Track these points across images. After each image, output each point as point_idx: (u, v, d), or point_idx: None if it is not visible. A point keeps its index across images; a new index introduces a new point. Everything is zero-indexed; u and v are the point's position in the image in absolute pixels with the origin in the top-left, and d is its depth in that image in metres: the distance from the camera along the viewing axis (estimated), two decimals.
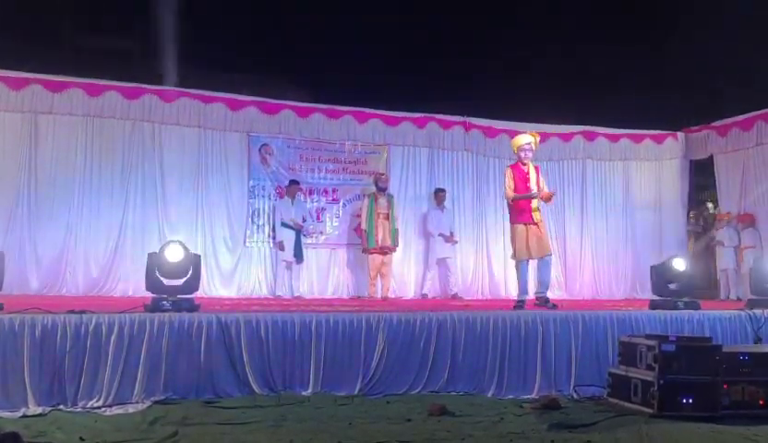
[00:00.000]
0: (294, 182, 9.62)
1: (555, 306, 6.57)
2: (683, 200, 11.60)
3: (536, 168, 7.01)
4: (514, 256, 6.89)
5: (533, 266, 7.20)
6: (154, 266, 5.33)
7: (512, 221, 6.90)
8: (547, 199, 6.87)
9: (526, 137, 7.02)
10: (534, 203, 6.78)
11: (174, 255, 5.28)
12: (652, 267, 7.08)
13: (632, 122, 11.56)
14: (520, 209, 6.81)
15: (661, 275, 6.75)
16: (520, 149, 6.97)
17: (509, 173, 6.93)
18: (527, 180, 6.84)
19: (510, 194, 6.84)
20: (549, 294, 10.34)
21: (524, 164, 6.91)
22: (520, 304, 6.70)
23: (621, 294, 10.87)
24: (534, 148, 7.00)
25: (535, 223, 6.76)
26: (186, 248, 5.36)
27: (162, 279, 5.30)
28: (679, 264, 6.72)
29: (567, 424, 4.44)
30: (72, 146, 8.97)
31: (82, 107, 8.99)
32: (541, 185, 6.92)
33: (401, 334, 5.42)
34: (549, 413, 4.79)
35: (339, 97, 10.54)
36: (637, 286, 10.98)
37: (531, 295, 6.94)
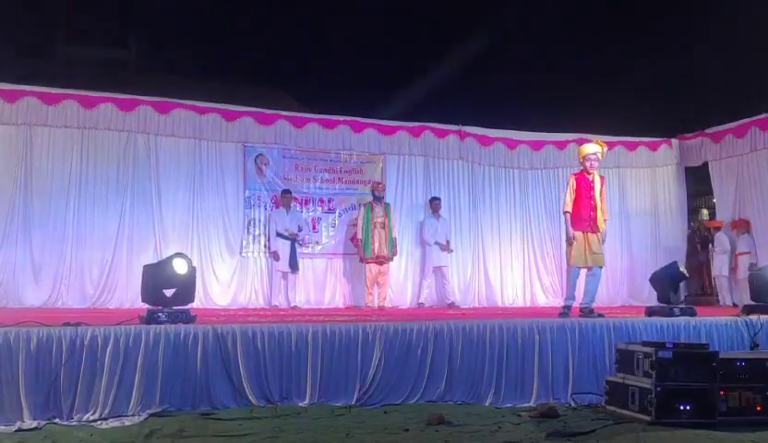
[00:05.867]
0: (286, 191, 9.62)
1: (601, 316, 6.40)
2: (680, 207, 11.63)
3: (602, 178, 6.89)
4: (569, 261, 6.83)
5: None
6: (150, 277, 5.32)
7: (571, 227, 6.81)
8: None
9: (593, 147, 6.89)
10: (598, 211, 6.70)
11: (181, 267, 5.29)
12: (655, 272, 7.10)
13: (627, 129, 11.61)
14: (580, 216, 6.72)
15: (664, 281, 6.77)
16: (585, 158, 6.83)
17: (571, 182, 6.82)
18: (591, 188, 6.75)
19: (566, 208, 6.74)
20: (546, 300, 10.55)
21: (589, 174, 6.80)
22: (565, 310, 6.60)
23: (617, 302, 10.87)
24: (600, 158, 6.85)
25: (595, 232, 6.69)
26: (189, 260, 5.37)
27: (157, 290, 5.29)
28: (683, 270, 6.79)
29: (565, 432, 4.44)
30: (67, 158, 8.95)
31: (77, 119, 8.98)
32: (604, 194, 6.84)
33: (397, 343, 5.41)
34: (547, 422, 4.78)
35: (334, 107, 10.58)
36: (634, 293, 10.98)
37: (576, 303, 6.87)
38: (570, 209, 6.75)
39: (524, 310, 9.42)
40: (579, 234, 6.71)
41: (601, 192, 6.81)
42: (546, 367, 5.64)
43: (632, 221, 11.36)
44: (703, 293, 11.72)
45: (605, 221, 6.82)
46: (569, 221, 6.75)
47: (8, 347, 4.51)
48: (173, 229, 9.28)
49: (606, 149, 7.15)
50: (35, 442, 4.05)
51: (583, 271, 6.88)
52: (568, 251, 6.85)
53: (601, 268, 6.84)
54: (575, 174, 6.95)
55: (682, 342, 5.59)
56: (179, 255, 5.43)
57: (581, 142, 11.19)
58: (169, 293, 5.31)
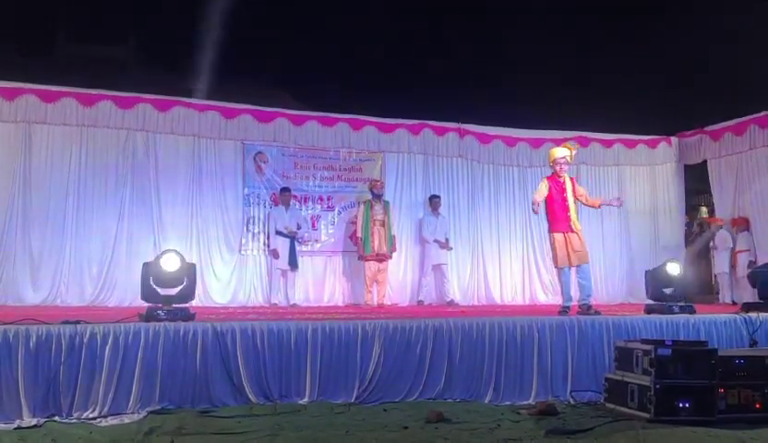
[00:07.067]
0: (285, 189, 9.61)
1: (598, 313, 6.51)
2: (679, 205, 11.62)
3: (572, 179, 7.09)
4: (555, 263, 6.99)
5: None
6: (149, 275, 5.32)
7: (551, 230, 6.97)
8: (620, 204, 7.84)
9: (562, 151, 7.08)
10: (572, 212, 6.86)
11: (170, 264, 5.27)
12: (647, 271, 7.12)
13: (626, 127, 11.60)
14: (557, 218, 6.88)
15: (656, 279, 6.79)
16: (555, 162, 7.03)
17: (544, 182, 7.01)
18: (563, 190, 6.93)
19: (537, 199, 6.86)
20: (546, 298, 10.55)
21: (560, 176, 6.99)
22: (564, 310, 6.71)
23: (617, 299, 10.87)
24: (569, 161, 7.07)
25: (574, 231, 6.83)
26: (182, 257, 5.36)
27: (157, 288, 5.29)
28: (674, 268, 6.76)
29: (564, 429, 4.44)
30: (66, 156, 8.93)
31: (76, 117, 8.97)
32: (580, 193, 7.04)
33: (397, 341, 5.41)
34: (546, 419, 4.79)
35: (333, 104, 10.55)
36: (633, 291, 10.98)
37: (575, 301, 7.00)
38: (539, 199, 6.86)
39: (524, 308, 9.43)
40: (559, 236, 6.87)
41: (574, 192, 6.99)
42: (546, 365, 5.65)
43: (631, 219, 11.36)
44: (702, 291, 11.73)
45: (599, 205, 7.56)
46: (535, 202, 6.84)
47: (8, 345, 4.52)
48: (172, 227, 9.27)
49: (575, 151, 7.38)
50: (35, 440, 4.05)
51: (575, 271, 7.01)
52: (553, 254, 6.99)
53: (588, 264, 6.99)
54: (547, 178, 7.12)
55: (681, 340, 5.62)
56: (169, 251, 5.41)
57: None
58: (169, 290, 5.31)
